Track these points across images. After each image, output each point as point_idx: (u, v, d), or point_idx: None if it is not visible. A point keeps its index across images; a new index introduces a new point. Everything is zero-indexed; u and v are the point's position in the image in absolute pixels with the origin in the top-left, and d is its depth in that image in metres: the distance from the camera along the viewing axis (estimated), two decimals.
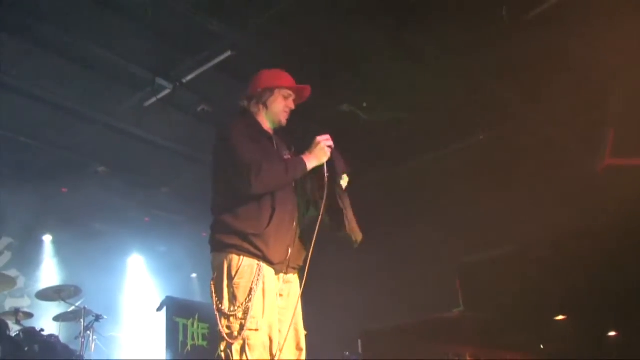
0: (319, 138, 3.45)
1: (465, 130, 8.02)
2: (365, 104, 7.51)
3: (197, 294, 11.01)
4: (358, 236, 3.54)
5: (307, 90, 3.72)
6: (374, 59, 6.81)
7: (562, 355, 6.99)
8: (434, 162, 8.41)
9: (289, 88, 3.64)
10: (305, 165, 3.37)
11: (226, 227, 3.28)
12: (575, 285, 6.94)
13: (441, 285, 8.17)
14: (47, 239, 10.29)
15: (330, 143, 3.45)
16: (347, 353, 8.16)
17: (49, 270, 10.09)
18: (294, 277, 3.49)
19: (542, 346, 7.27)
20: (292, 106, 3.66)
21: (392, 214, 9.02)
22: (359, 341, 8.20)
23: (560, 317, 7.27)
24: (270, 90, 3.59)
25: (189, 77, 6.93)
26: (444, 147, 8.26)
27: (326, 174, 3.43)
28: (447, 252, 8.21)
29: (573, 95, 6.87)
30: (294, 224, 3.42)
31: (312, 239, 3.37)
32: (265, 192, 3.26)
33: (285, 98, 3.62)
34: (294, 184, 3.51)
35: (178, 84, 7.01)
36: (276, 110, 3.58)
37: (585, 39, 5.98)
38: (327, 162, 3.44)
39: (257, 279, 3.18)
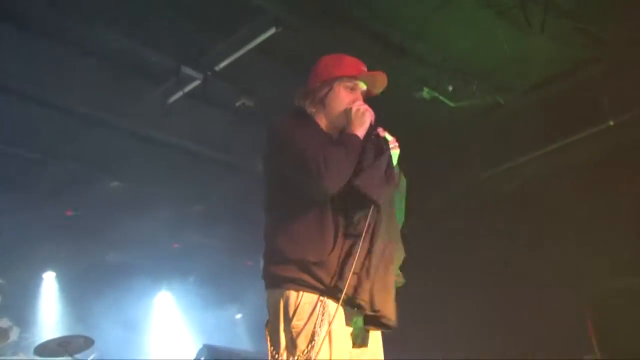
0: (349, 105, 3.57)
1: (589, 115, 8.00)
2: (451, 87, 7.61)
3: (243, 340, 11.20)
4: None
5: (380, 76, 3.74)
6: (458, 28, 6.93)
7: None
8: (548, 159, 8.42)
9: (353, 77, 3.66)
10: (356, 135, 3.47)
11: (281, 256, 3.37)
12: None
13: (564, 319, 8.11)
14: (49, 276, 10.64)
15: (365, 106, 3.57)
16: None
17: (51, 317, 10.40)
18: None
19: None
20: (361, 99, 3.67)
21: (495, 222, 9.06)
22: None
23: None
24: (329, 84, 3.62)
25: (223, 64, 7.07)
26: (560, 139, 8.24)
27: (379, 134, 3.57)
28: (573, 276, 8.12)
29: None
30: (366, 245, 3.40)
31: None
32: (339, 187, 3.34)
33: (351, 90, 3.65)
34: None
35: (209, 73, 7.16)
36: (339, 107, 3.62)
37: None
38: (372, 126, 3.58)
39: (321, 320, 3.24)
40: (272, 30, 6.56)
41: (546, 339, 8.19)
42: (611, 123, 7.90)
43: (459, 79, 7.63)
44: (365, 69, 3.71)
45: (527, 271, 8.56)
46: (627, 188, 7.87)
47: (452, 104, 7.73)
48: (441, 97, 7.60)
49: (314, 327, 3.24)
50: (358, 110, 3.53)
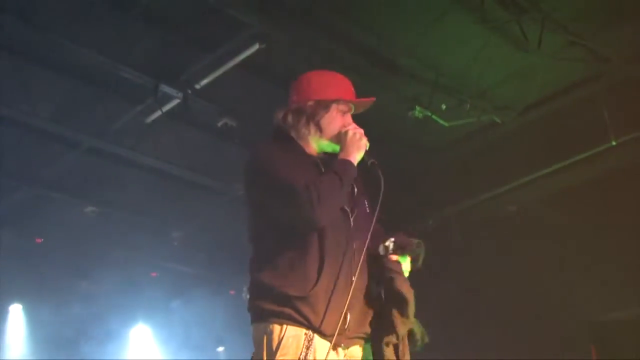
0: (342, 129, 3.56)
1: (590, 135, 8.03)
2: (444, 106, 7.63)
3: None
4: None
5: (371, 101, 3.71)
6: (452, 44, 7.00)
7: None
8: (547, 181, 8.45)
9: (350, 101, 3.64)
10: (351, 162, 3.46)
11: (264, 289, 3.38)
12: None
13: (566, 345, 8.15)
14: (15, 309, 10.57)
15: (361, 130, 3.54)
16: None
17: (17, 353, 10.34)
18: (360, 350, 3.53)
19: None
20: (352, 123, 3.64)
21: (493, 246, 9.09)
22: None
23: None
24: (325, 106, 3.58)
25: (205, 82, 7.08)
26: (560, 159, 8.25)
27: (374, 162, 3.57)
28: (575, 301, 8.15)
29: None
30: (354, 278, 3.43)
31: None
32: (329, 218, 3.35)
33: (344, 114, 3.64)
34: (352, 224, 3.51)
35: (190, 91, 7.18)
36: (332, 132, 3.59)
37: None
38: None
39: (306, 354, 3.26)
40: (256, 47, 6.54)
41: None
42: (613, 143, 7.92)
43: (453, 97, 7.65)
44: (353, 90, 3.69)
45: (526, 296, 8.60)
46: (632, 211, 7.90)
47: (445, 124, 7.77)
48: (434, 116, 7.61)
49: None
50: (355, 134, 3.51)
